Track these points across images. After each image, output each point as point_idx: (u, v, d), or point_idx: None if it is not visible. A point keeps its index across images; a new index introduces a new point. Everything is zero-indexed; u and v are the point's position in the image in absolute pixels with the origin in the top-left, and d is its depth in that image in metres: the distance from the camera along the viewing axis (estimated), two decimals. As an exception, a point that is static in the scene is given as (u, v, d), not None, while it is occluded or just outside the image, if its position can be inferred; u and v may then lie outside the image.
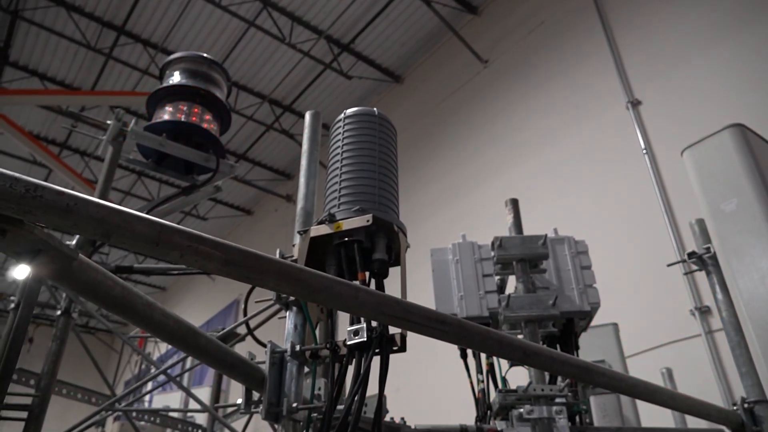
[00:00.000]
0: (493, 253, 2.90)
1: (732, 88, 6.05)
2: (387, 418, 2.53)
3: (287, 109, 12.67)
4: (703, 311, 5.57)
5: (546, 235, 2.81)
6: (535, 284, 2.91)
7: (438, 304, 2.97)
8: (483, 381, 2.83)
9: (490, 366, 2.85)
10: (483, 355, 2.90)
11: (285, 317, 1.95)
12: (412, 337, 1.69)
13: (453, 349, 2.95)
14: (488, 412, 2.69)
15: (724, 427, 2.44)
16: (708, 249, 2.66)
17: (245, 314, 2.56)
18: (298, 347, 1.82)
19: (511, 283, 3.08)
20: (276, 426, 1.75)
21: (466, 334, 1.49)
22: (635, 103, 6.96)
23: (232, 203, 15.82)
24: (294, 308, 1.94)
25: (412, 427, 2.46)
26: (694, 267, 2.79)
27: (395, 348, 1.77)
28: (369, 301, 1.37)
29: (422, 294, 2.50)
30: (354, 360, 1.73)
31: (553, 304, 2.65)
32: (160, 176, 12.31)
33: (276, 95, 12.43)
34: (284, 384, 1.80)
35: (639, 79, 7.10)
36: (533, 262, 2.84)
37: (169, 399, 7.95)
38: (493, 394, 2.69)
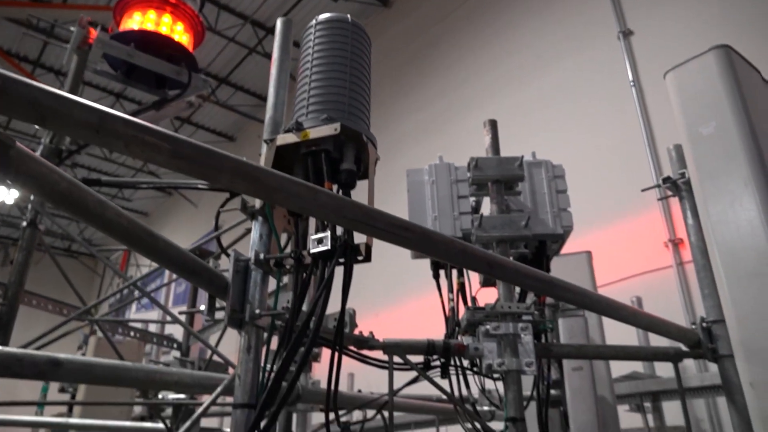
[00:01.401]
0: (469, 174, 2.87)
1: (727, 19, 5.90)
2: (356, 332, 2.57)
3: (270, 32, 12.21)
4: (677, 243, 5.66)
5: (522, 157, 2.78)
6: (510, 207, 2.90)
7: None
8: (453, 300, 2.87)
9: (461, 285, 2.88)
10: (455, 274, 2.93)
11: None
12: (392, 263, 1.67)
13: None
14: (456, 329, 2.74)
15: (681, 345, 2.52)
16: (683, 174, 2.65)
17: (216, 228, 2.53)
18: (262, 255, 1.80)
19: (486, 206, 3.07)
20: (240, 332, 1.76)
21: (430, 242, 1.47)
22: (627, 33, 6.79)
23: (214, 128, 15.53)
24: (260, 218, 1.91)
25: (380, 340, 2.51)
26: (669, 192, 2.79)
27: (360, 258, 1.76)
28: (330, 203, 1.34)
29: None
30: (318, 269, 1.72)
31: (526, 225, 2.65)
32: (141, 98, 11.97)
33: (259, 16, 11.95)
34: (248, 292, 1.79)
35: (633, 8, 6.89)
36: (508, 184, 2.82)
37: (149, 317, 8.08)
38: (462, 313, 2.73)
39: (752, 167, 2.10)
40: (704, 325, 2.41)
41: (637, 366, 5.15)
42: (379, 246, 1.64)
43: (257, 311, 1.73)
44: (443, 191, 3.01)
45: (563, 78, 7.38)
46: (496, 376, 2.61)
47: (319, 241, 1.69)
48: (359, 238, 1.79)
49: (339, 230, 1.76)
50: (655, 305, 5.28)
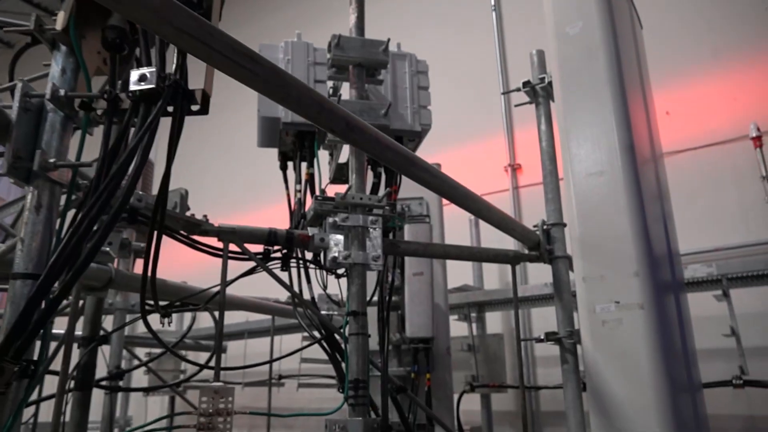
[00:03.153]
0: (328, 56, 2.60)
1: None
2: (188, 214, 2.25)
3: None
4: (516, 168, 5.96)
5: (388, 41, 2.56)
6: (369, 98, 2.70)
7: (261, 107, 2.65)
8: (300, 191, 2.65)
9: (310, 176, 2.67)
10: (304, 166, 2.70)
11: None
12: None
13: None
14: (302, 221, 2.54)
15: (519, 249, 2.58)
16: (542, 79, 2.64)
17: (11, 72, 1.99)
18: (62, 92, 1.40)
19: (345, 95, 2.84)
20: (27, 187, 1.37)
21: (281, 84, 1.20)
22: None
23: None
24: (63, 47, 1.48)
25: (215, 224, 2.22)
26: (526, 99, 2.78)
27: (195, 108, 1.44)
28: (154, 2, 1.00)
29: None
30: (140, 116, 1.37)
31: (385, 114, 2.48)
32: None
33: None
34: (41, 137, 1.40)
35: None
36: (371, 70, 2.60)
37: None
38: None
39: (610, 66, 2.12)
40: (545, 227, 2.48)
41: (467, 279, 5.43)
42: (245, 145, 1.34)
43: (52, 160, 1.35)
44: (299, 73, 2.71)
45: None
46: (340, 271, 2.48)
47: (142, 78, 1.34)
48: (194, 84, 1.47)
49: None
50: (488, 227, 5.56)
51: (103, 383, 3.10)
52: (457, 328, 5.41)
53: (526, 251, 2.51)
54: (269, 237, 2.28)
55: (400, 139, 2.76)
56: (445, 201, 4.87)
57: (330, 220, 2.32)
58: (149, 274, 1.71)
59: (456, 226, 4.96)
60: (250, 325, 5.21)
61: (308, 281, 2.52)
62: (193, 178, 8.93)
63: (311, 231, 2.33)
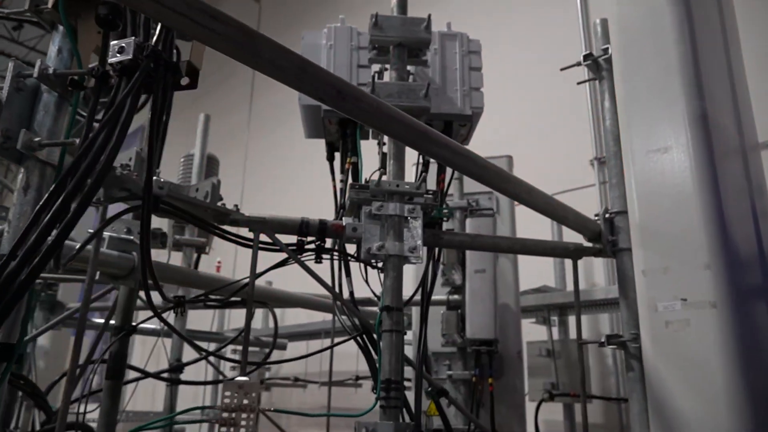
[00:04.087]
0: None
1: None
2: (220, 203, 2.20)
3: None
4: (602, 161, 5.51)
5: (429, 17, 2.38)
6: (416, 80, 2.54)
7: (301, 95, 2.56)
8: (343, 180, 2.54)
9: (353, 165, 2.54)
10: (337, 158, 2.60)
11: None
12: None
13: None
14: (342, 211, 2.42)
15: (583, 242, 2.30)
16: (605, 50, 2.34)
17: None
18: (51, 70, 1.36)
19: (391, 80, 2.70)
20: (16, 167, 1.35)
21: (249, 43, 1.08)
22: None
23: None
24: (60, 27, 1.46)
25: (246, 214, 2.16)
26: (590, 75, 2.49)
27: (182, 82, 1.36)
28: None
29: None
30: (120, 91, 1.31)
31: (425, 95, 2.30)
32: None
33: None
34: (35, 118, 1.38)
35: None
36: (413, 50, 2.44)
37: None
38: (350, 194, 2.41)
39: (678, 24, 1.80)
40: (607, 215, 2.18)
41: (548, 280, 5.08)
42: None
43: (37, 139, 1.32)
44: (341, 58, 2.60)
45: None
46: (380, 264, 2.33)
47: (120, 50, 1.28)
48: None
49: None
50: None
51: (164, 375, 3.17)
52: (537, 332, 5.07)
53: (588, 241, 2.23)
54: (301, 227, 2.18)
55: (449, 124, 2.57)
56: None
57: (366, 209, 2.18)
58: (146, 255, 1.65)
59: (535, 225, 4.63)
60: (317, 325, 5.19)
61: (347, 275, 2.39)
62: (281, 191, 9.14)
63: (346, 221, 2.20)
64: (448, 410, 4.10)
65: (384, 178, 2.24)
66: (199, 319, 5.39)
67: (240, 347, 5.27)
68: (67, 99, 1.41)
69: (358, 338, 2.25)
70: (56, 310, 3.38)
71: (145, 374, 2.79)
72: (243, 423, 1.91)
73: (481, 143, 2.66)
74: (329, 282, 2.33)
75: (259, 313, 6.27)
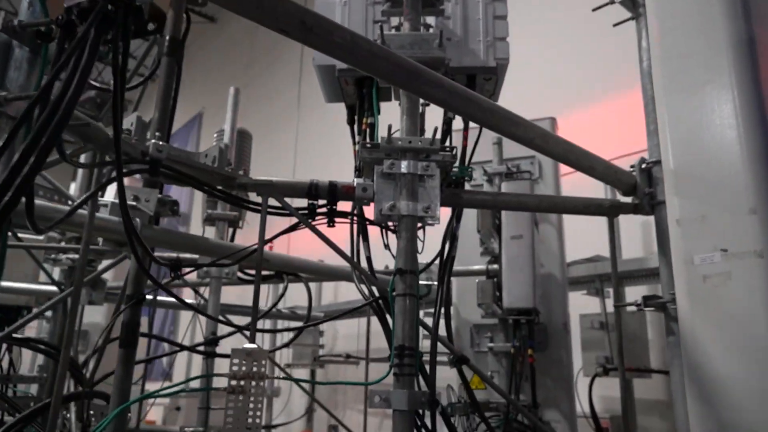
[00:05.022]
0: (382, -12, 2.32)
1: None
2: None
3: None
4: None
5: (443, -40, 2.21)
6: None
7: (316, 55, 2.45)
8: (359, 142, 2.43)
9: (370, 127, 2.42)
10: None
11: None
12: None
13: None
14: (358, 173, 2.31)
15: (619, 198, 2.09)
16: (642, -16, 2.10)
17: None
18: (15, 21, 1.32)
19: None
20: (-11, 125, 1.32)
21: None
22: None
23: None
24: (30, -21, 1.41)
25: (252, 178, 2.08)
26: (628, 15, 2.25)
27: (146, 26, 1.28)
28: None
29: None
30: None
31: (440, 45, 2.14)
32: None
33: None
34: (6, 76, 1.34)
35: None
36: (428, -1, 2.28)
37: None
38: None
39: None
40: (644, 165, 1.96)
41: (602, 250, 4.79)
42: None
43: (3, 94, 1.27)
44: (356, 15, 2.48)
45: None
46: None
47: (79, -8, 1.20)
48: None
49: None
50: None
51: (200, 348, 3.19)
52: (590, 303, 4.81)
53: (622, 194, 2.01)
54: (310, 189, 2.09)
55: (472, 78, 2.40)
56: (566, 168, 4.32)
57: (378, 168, 2.06)
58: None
59: (585, 191, 4.34)
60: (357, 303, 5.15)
61: (364, 239, 2.29)
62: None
63: (356, 182, 2.09)
64: (493, 382, 3.97)
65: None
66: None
67: (277, 320, 5.26)
68: (38, 53, 1.36)
69: (374, 305, 2.15)
70: (98, 287, 3.46)
71: (181, 347, 2.82)
72: (251, 390, 1.86)
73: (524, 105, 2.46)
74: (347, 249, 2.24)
75: (313, 290, 6.31)
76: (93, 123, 1.51)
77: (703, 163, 1.52)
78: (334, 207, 2.13)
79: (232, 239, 3.71)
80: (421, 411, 1.91)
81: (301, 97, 9.93)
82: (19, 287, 3.60)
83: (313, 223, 2.13)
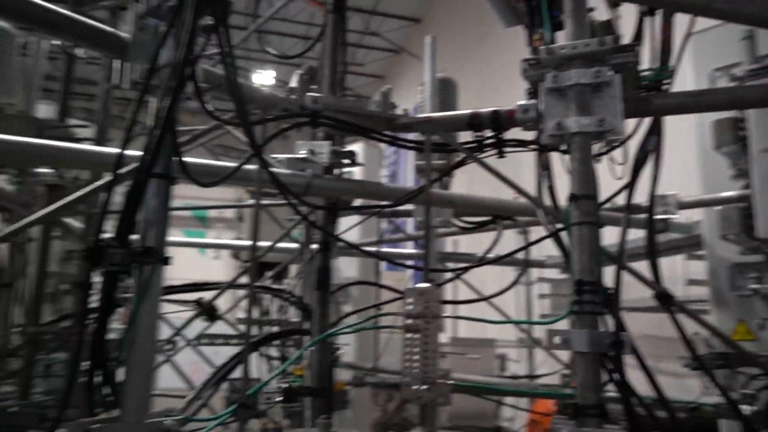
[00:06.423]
0: None
1: None
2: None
3: None
4: None
5: None
6: None
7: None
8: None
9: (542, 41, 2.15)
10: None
11: None
12: None
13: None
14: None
15: None
16: None
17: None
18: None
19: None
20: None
21: None
22: None
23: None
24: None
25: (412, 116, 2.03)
26: None
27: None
28: None
29: None
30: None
31: None
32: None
33: None
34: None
35: None
36: None
37: None
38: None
39: None
40: None
41: None
42: None
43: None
44: None
45: None
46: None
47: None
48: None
49: None
50: None
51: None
52: None
53: None
54: (471, 120, 1.95)
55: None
56: None
57: (542, 85, 1.82)
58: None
59: None
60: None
61: (545, 169, 2.06)
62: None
63: (518, 104, 1.87)
64: (761, 334, 3.37)
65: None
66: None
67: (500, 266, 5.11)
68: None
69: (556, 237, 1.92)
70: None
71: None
72: (425, 328, 1.86)
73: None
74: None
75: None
76: (246, 84, 1.64)
77: None
78: (501, 136, 1.95)
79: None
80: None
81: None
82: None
83: (482, 156, 2.00)
